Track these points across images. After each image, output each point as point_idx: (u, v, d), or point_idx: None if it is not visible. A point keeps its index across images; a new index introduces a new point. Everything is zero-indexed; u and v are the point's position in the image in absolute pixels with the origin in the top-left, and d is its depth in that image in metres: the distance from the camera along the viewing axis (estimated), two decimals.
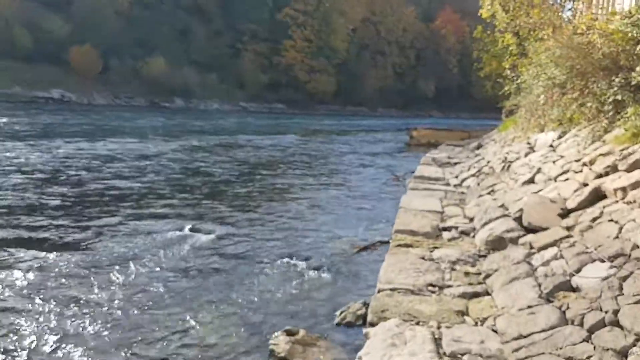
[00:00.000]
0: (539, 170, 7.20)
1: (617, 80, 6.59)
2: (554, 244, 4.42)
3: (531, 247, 4.75)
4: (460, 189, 9.42)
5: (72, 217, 7.29)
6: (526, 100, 11.71)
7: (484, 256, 5.18)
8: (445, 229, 6.41)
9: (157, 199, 8.68)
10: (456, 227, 6.38)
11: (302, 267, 5.33)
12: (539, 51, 9.61)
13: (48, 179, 10.27)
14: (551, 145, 8.22)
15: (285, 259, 5.56)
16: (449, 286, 4.28)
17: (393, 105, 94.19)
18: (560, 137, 8.19)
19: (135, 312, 4.28)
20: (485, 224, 6.04)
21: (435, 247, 5.46)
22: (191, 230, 6.62)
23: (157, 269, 5.21)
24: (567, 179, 6.12)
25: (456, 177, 10.49)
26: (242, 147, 18.42)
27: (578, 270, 3.63)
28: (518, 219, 5.44)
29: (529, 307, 3.53)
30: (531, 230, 5.07)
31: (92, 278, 4.94)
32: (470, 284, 4.35)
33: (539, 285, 3.75)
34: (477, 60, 35.29)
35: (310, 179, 11.89)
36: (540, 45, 9.80)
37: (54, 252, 5.58)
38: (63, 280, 4.86)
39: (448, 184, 10.07)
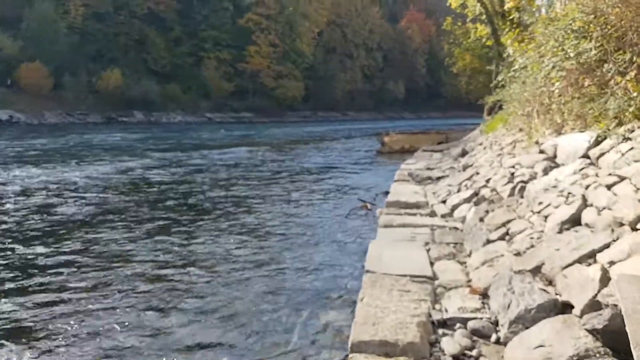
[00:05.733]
0: (585, 202, 4.42)
1: None
2: None
3: None
4: (451, 222, 6.63)
5: None
6: (526, 91, 9.04)
7: None
8: (444, 324, 3.60)
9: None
10: (463, 321, 3.58)
11: None
12: (553, 20, 6.90)
13: None
14: (586, 156, 5.46)
15: None
16: None
17: (364, 108, 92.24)
18: (598, 142, 5.43)
19: None
20: (518, 320, 3.25)
21: None
22: None
23: None
24: None
25: (443, 201, 7.68)
26: (174, 172, 14.79)
27: None
28: (601, 334, 2.62)
29: None
30: None
31: None
32: None
33: None
34: (449, 55, 32.97)
35: (244, 218, 8.45)
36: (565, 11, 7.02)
37: None
38: None
39: (433, 213, 7.26)
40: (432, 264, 4.90)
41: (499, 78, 10.00)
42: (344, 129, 45.98)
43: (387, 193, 9.40)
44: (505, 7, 23.90)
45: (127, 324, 4.31)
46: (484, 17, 25.87)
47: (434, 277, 4.49)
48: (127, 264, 5.92)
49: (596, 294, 2.95)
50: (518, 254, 4.42)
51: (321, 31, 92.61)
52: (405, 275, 4.48)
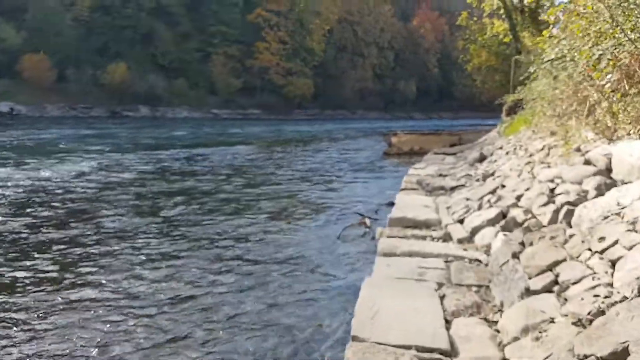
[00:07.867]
0: None
1: None
2: None
3: None
4: (472, 250, 5.16)
5: None
6: (557, 88, 7.57)
7: None
8: None
9: None
10: None
11: None
12: None
13: None
14: None
15: None
16: None
17: (374, 107, 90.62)
18: None
19: None
20: None
21: None
22: None
23: None
24: None
25: (460, 221, 6.19)
26: (130, 178, 12.67)
27: None
28: None
29: None
30: None
31: None
32: None
33: None
34: (464, 51, 31.24)
35: (216, 245, 6.56)
36: None
37: None
38: None
39: (448, 237, 5.79)
40: (447, 322, 3.46)
41: (530, 70, 8.51)
42: (352, 128, 44.35)
43: (391, 204, 7.95)
44: (525, 1, 22.43)
45: None
46: (501, 12, 24.33)
47: (451, 353, 3.04)
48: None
49: None
50: (579, 321, 2.95)
51: (332, 29, 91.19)
52: (409, 347, 3.04)
